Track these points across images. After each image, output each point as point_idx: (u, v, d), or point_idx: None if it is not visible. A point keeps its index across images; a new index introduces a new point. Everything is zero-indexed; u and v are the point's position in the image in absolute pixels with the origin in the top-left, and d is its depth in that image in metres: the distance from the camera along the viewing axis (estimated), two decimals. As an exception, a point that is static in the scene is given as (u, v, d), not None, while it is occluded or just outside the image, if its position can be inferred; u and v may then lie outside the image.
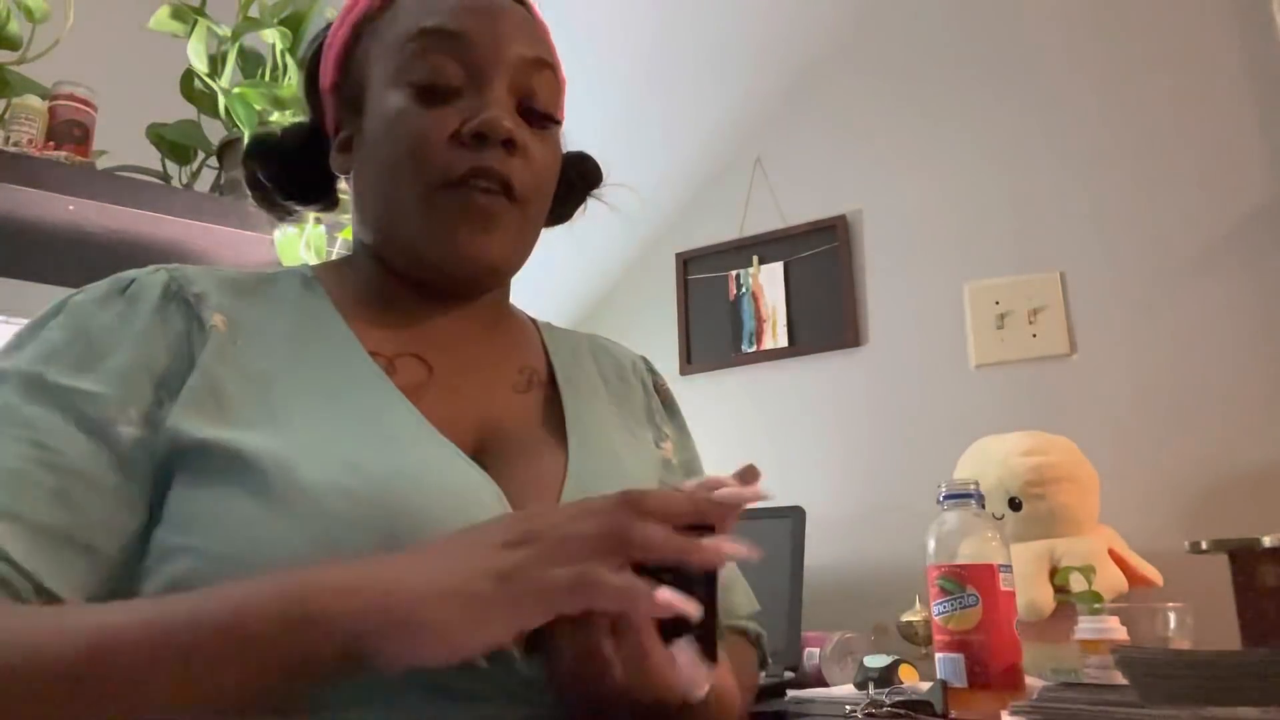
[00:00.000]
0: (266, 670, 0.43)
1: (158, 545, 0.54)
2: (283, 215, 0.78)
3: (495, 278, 0.69)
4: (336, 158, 0.71)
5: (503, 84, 0.65)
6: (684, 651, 0.48)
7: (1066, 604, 1.25)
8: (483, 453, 0.62)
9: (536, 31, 0.70)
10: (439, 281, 0.67)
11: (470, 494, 0.57)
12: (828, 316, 1.85)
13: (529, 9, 0.72)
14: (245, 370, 0.59)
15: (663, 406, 0.81)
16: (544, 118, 0.68)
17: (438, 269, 0.65)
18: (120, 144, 1.54)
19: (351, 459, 0.55)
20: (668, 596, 0.44)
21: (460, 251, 0.64)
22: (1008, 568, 1.04)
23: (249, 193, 0.76)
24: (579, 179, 0.79)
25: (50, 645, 0.44)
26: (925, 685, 1.16)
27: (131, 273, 0.63)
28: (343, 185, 0.76)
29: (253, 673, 0.43)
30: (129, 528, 0.54)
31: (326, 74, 0.72)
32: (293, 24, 1.54)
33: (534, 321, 0.79)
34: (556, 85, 0.70)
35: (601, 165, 0.81)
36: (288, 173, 0.75)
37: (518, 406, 0.69)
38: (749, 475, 0.51)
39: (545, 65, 0.68)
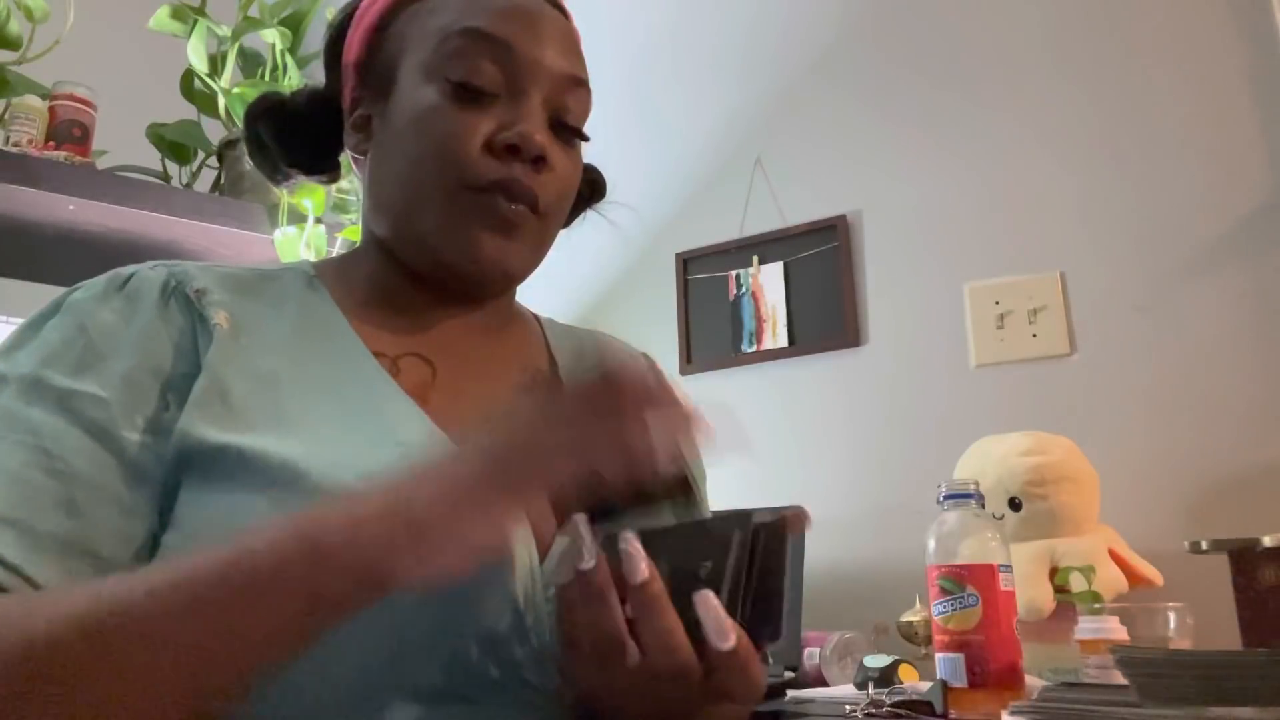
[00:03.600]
0: (288, 611, 0.43)
1: (166, 551, 0.53)
2: (281, 181, 0.76)
3: (507, 283, 0.68)
4: (351, 135, 0.70)
5: (539, 96, 0.64)
6: (707, 603, 0.48)
7: (1066, 604, 1.25)
8: None
9: (576, 45, 0.69)
10: (449, 281, 0.66)
11: None
12: (828, 316, 1.85)
13: (568, 19, 0.70)
14: (251, 370, 0.58)
15: None
16: (574, 134, 0.67)
17: (452, 269, 0.64)
18: (120, 144, 1.54)
19: (361, 466, 0.54)
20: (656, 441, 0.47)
21: (478, 255, 0.63)
22: (1008, 568, 1.05)
23: (249, 154, 0.73)
24: (586, 188, 0.78)
25: (66, 607, 0.43)
26: (925, 685, 1.16)
27: (130, 268, 0.61)
28: (348, 176, 0.76)
29: (275, 614, 0.43)
30: (137, 535, 0.53)
31: (352, 48, 0.70)
32: (293, 24, 1.55)
33: (538, 319, 0.78)
34: (588, 103, 0.69)
35: (603, 173, 0.80)
36: (294, 138, 0.73)
37: None
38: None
39: (581, 83, 0.67)
